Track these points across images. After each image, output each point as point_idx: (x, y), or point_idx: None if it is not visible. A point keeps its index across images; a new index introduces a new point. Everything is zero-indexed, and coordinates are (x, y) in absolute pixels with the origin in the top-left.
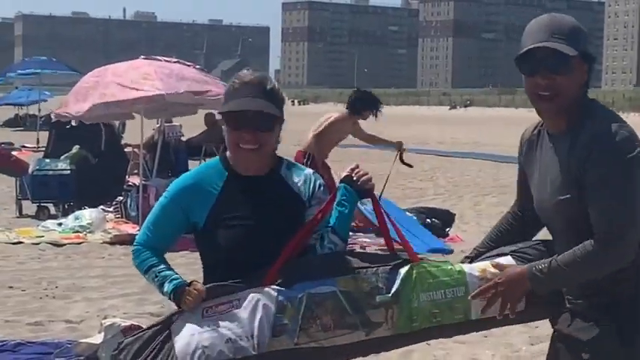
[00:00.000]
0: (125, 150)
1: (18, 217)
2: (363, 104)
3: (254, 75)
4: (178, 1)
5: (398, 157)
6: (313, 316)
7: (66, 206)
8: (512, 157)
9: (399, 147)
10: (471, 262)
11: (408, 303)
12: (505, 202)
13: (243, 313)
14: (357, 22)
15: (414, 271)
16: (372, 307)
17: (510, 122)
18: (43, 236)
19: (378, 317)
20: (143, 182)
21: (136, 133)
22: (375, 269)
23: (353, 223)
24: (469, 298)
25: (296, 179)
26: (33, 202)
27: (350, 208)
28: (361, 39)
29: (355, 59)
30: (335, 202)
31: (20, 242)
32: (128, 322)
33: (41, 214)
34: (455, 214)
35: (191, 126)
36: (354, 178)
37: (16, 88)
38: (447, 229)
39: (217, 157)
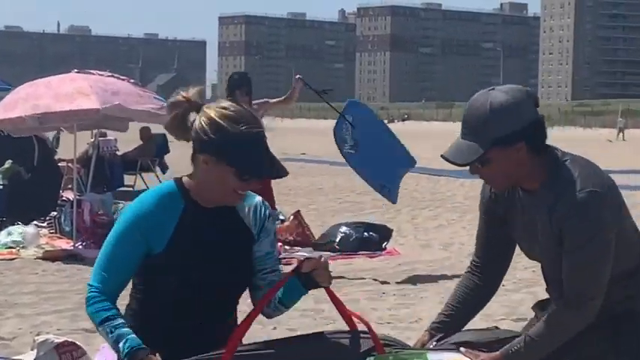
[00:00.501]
0: (59, 165)
1: None
2: (231, 83)
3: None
4: (113, 15)
5: (298, 89)
6: None
7: None
8: (449, 171)
9: (296, 85)
10: (432, 338)
11: None
12: (442, 215)
13: None
14: (294, 36)
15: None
16: None
17: (448, 136)
18: None
19: None
20: (77, 197)
21: (70, 147)
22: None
23: (291, 237)
24: None
25: (246, 208)
26: None
27: (297, 299)
28: (298, 53)
29: (292, 73)
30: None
31: None
32: (62, 339)
33: None
34: (392, 230)
35: (126, 140)
36: (304, 270)
37: None
38: (385, 244)
39: (171, 181)
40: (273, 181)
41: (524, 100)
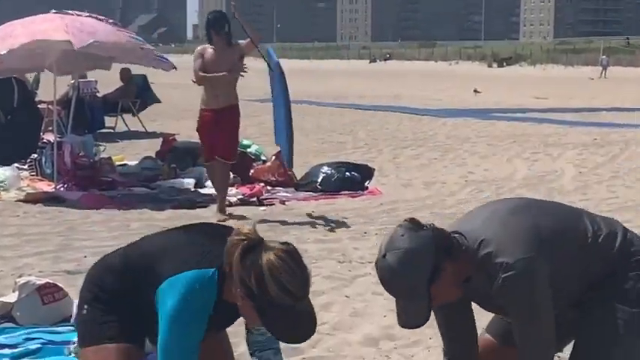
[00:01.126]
0: (39, 107)
1: None
2: (207, 24)
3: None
4: None
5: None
6: None
7: None
8: (431, 110)
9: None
10: None
11: None
12: (423, 154)
13: None
14: None
15: None
16: None
17: (429, 75)
18: None
19: None
20: (58, 139)
21: (50, 89)
22: None
23: (273, 178)
24: None
25: None
26: None
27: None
28: None
29: (274, 13)
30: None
31: None
32: (43, 281)
33: None
34: (374, 169)
35: (107, 82)
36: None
37: None
38: (367, 183)
39: (212, 275)
40: (253, 118)
41: (414, 239)
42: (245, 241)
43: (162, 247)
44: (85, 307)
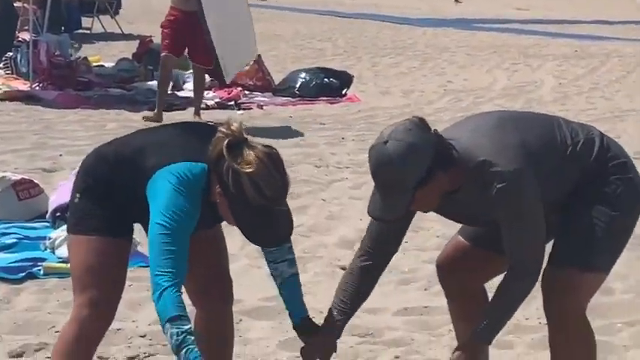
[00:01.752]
0: (14, 5)
1: None
2: None
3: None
4: None
5: None
6: None
7: None
8: (410, 19)
9: None
10: (334, 331)
11: None
12: (402, 63)
13: None
14: None
15: None
16: None
17: None
18: None
19: None
20: (33, 38)
21: None
22: None
23: (250, 82)
24: None
25: None
26: None
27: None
28: None
29: None
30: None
31: None
32: (19, 176)
33: None
34: (353, 76)
35: None
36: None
37: None
38: (345, 90)
39: (202, 168)
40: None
41: (419, 136)
42: (230, 138)
43: (155, 142)
44: (78, 195)
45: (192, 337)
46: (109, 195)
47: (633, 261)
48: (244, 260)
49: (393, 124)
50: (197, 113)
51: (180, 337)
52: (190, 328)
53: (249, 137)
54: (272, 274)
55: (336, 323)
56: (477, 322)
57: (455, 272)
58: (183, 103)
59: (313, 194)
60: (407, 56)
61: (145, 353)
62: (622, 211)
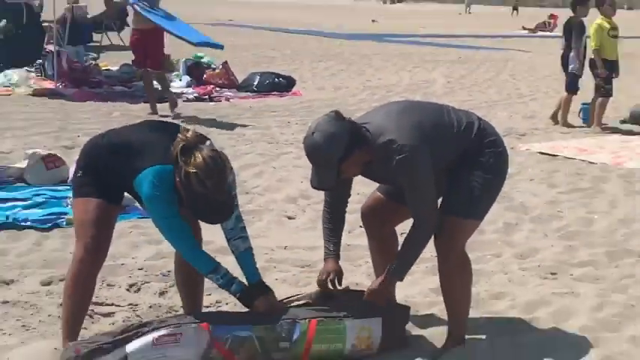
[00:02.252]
0: (43, 24)
1: None
2: None
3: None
4: None
5: None
6: (233, 352)
7: None
8: (340, 34)
9: None
10: (334, 257)
11: (301, 348)
12: (332, 67)
13: (183, 347)
14: None
15: (315, 327)
16: (276, 350)
17: (338, 8)
18: None
19: (278, 356)
20: (57, 49)
21: (51, 11)
22: (280, 323)
23: (220, 81)
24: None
25: None
26: None
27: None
28: None
29: None
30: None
31: None
32: (46, 152)
33: None
34: (296, 80)
35: (95, 7)
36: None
37: None
38: (291, 88)
39: (170, 170)
40: (219, 35)
41: (336, 125)
42: (183, 142)
43: (139, 140)
44: (80, 172)
45: (230, 275)
46: (99, 173)
47: (501, 210)
48: None
49: (317, 117)
50: (153, 108)
51: (223, 280)
52: (223, 271)
53: (201, 134)
54: (230, 250)
55: (334, 252)
56: (389, 257)
57: (375, 217)
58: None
59: (267, 163)
60: (336, 61)
61: (142, 281)
62: (493, 174)
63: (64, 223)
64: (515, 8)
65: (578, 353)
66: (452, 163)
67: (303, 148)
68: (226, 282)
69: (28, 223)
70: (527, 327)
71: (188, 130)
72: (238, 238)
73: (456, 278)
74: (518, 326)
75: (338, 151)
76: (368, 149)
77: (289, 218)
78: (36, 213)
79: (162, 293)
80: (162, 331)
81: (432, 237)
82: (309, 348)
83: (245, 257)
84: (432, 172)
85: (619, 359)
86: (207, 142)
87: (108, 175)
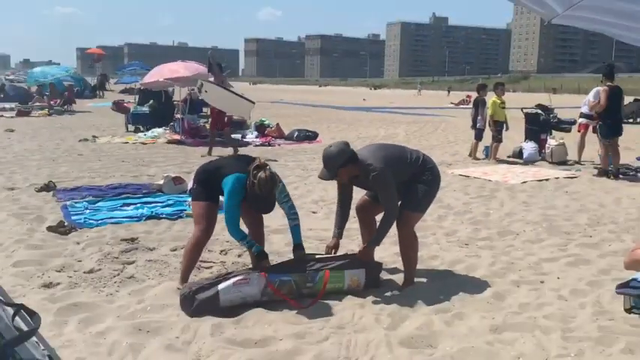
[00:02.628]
0: (174, 102)
1: (126, 132)
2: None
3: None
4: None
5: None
6: (279, 289)
7: (147, 127)
8: (345, 107)
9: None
10: (337, 237)
11: (320, 286)
12: (340, 126)
13: (251, 286)
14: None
15: (328, 275)
16: (304, 288)
17: (343, 93)
18: (136, 140)
19: (306, 291)
20: (181, 117)
21: (178, 95)
22: (307, 272)
23: (274, 135)
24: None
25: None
26: (132, 125)
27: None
28: None
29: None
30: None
31: (126, 142)
32: (175, 175)
33: (136, 130)
34: (318, 133)
35: None
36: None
37: (124, 75)
38: (316, 138)
39: (245, 177)
40: (274, 108)
41: (343, 146)
42: (256, 164)
43: (227, 163)
44: (195, 185)
45: (253, 242)
46: (206, 185)
47: (436, 208)
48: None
49: (331, 143)
50: (234, 150)
51: (249, 244)
52: (248, 239)
53: (268, 163)
54: (288, 224)
55: (337, 234)
56: (370, 234)
57: (363, 211)
58: (243, 143)
59: (301, 181)
60: (342, 123)
61: (228, 248)
62: (430, 186)
63: (184, 215)
64: (449, 90)
65: (480, 289)
66: (406, 179)
67: (323, 154)
68: (250, 245)
69: (164, 216)
70: (450, 274)
71: (260, 159)
72: (290, 218)
73: (409, 247)
74: (445, 274)
75: (340, 161)
76: (356, 167)
77: (313, 213)
78: (168, 210)
79: (239, 255)
80: (239, 277)
81: (395, 222)
82: (325, 286)
83: (294, 229)
84: (393, 184)
85: (504, 294)
86: (267, 167)
87: (211, 186)
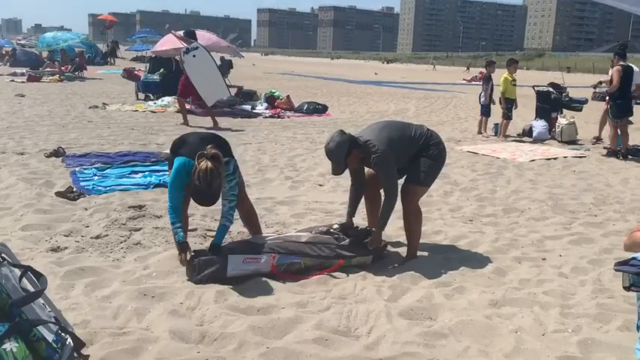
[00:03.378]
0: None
1: (136, 100)
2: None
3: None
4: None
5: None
6: (289, 269)
7: (157, 95)
8: (355, 81)
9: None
10: (350, 215)
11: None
12: (349, 100)
13: (262, 263)
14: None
15: (341, 263)
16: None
17: (355, 66)
18: (146, 108)
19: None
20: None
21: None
22: (318, 257)
23: (284, 107)
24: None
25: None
26: (142, 93)
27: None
28: None
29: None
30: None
31: (136, 110)
32: None
33: (146, 99)
34: (328, 106)
35: None
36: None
37: (135, 42)
38: (325, 111)
39: (190, 162)
40: (285, 80)
41: (341, 137)
42: (202, 152)
43: (188, 142)
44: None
45: (181, 230)
46: (174, 157)
47: (442, 184)
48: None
49: (332, 132)
50: (214, 122)
51: (176, 230)
52: (177, 225)
53: (219, 153)
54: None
55: (350, 213)
56: (375, 208)
57: (369, 187)
58: (253, 114)
59: (309, 154)
60: (352, 97)
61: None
62: (435, 160)
63: None
64: (468, 67)
65: (481, 264)
66: (412, 155)
67: (325, 152)
68: (176, 232)
69: None
70: (453, 249)
71: (212, 148)
72: (224, 217)
73: (413, 221)
74: (448, 249)
75: (343, 152)
76: (361, 150)
77: (320, 185)
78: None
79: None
80: (249, 255)
81: (400, 196)
82: (333, 269)
83: (221, 228)
84: (393, 164)
85: (505, 270)
86: (216, 157)
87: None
